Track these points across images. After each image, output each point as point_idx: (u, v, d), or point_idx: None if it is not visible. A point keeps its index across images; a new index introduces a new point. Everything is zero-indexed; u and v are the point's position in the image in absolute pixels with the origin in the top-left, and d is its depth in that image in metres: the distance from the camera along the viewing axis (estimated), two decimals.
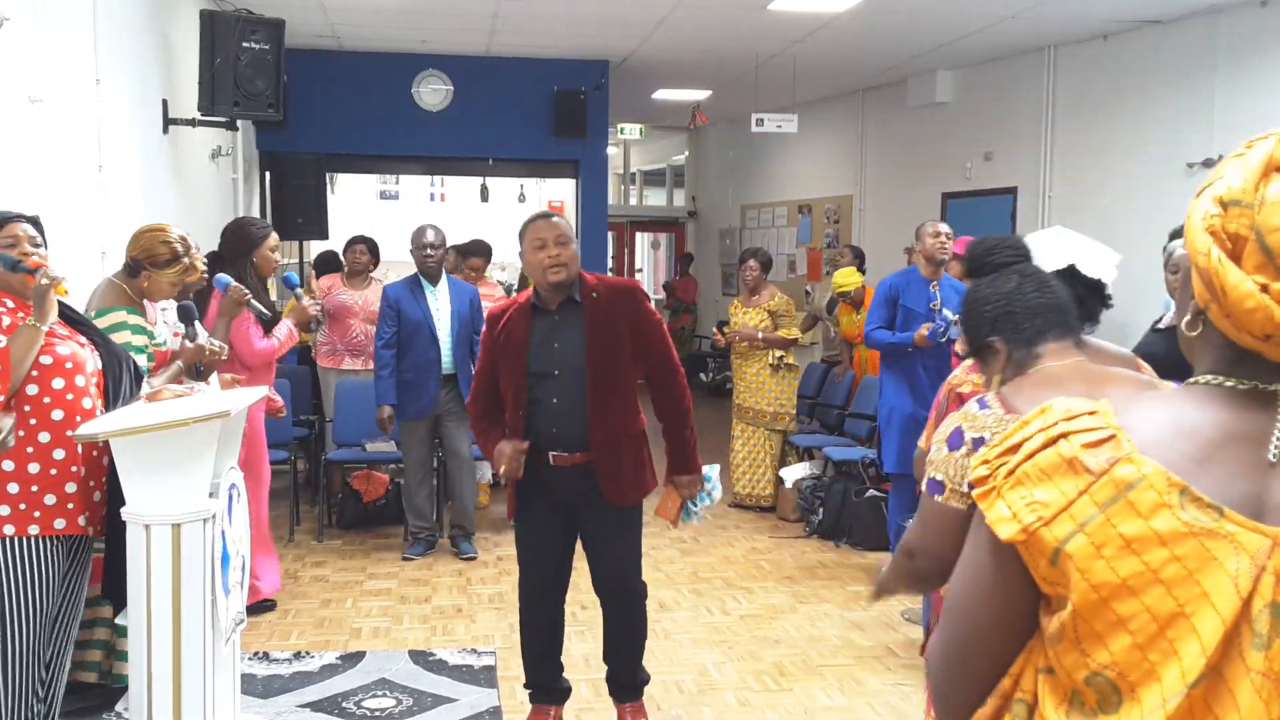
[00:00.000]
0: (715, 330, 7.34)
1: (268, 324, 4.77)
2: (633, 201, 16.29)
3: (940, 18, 7.63)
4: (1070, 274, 2.48)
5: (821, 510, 6.41)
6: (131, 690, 3.14)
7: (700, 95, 11.04)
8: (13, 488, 2.97)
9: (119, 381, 3.25)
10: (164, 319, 3.93)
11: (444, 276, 5.92)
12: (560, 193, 12.75)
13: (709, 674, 4.31)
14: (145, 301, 3.83)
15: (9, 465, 2.97)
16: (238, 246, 4.85)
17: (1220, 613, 1.00)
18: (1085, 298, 2.43)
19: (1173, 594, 1.01)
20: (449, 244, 6.40)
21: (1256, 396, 1.07)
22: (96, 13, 4.93)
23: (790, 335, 7.00)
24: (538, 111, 9.38)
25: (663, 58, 9.34)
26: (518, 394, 3.47)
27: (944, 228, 5.52)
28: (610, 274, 14.52)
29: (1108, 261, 2.59)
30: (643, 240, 16.22)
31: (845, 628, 4.85)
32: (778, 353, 6.97)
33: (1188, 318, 1.12)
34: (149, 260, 3.75)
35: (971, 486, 1.15)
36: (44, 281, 2.94)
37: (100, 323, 3.54)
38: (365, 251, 6.73)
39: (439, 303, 5.79)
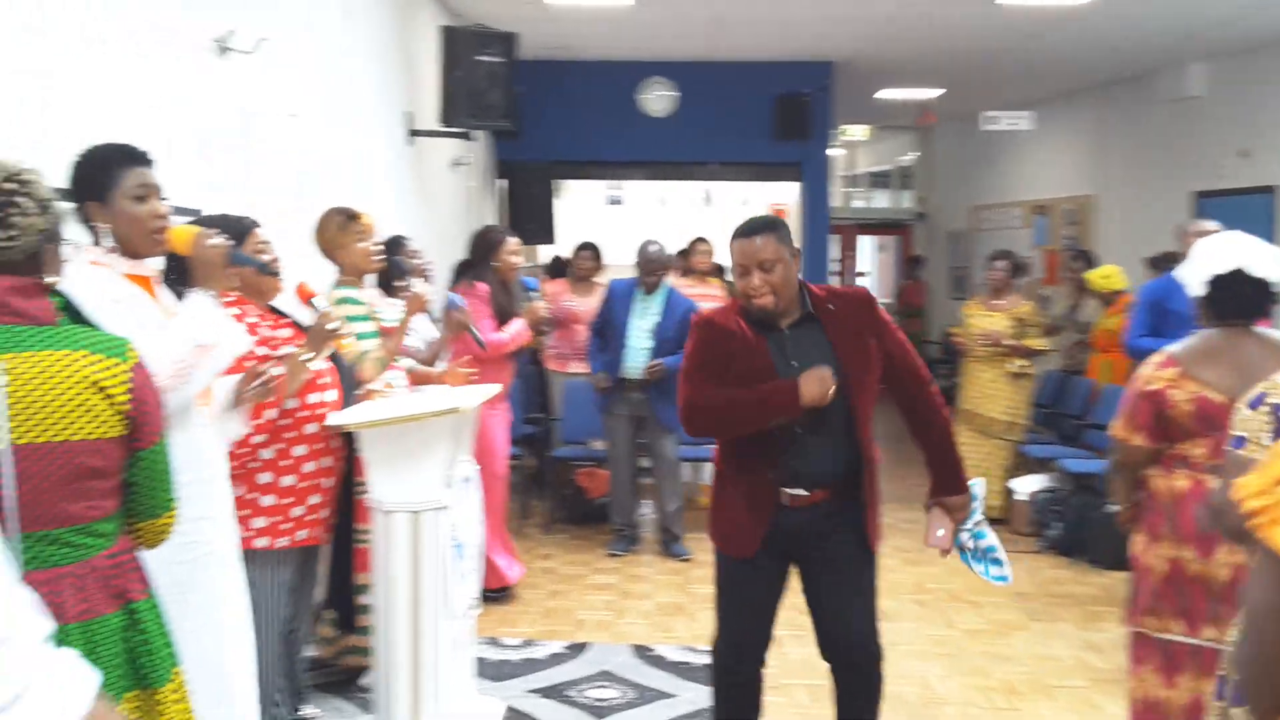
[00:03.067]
0: (954, 332, 7.07)
1: (503, 321, 5.01)
2: (858, 204, 16.04)
3: (1191, 6, 7.14)
4: (1238, 274, 2.82)
5: (1058, 525, 6.13)
6: (375, 666, 3.34)
7: (928, 94, 10.75)
8: (267, 500, 3.13)
9: (348, 390, 3.47)
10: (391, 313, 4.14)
11: (664, 288, 6.00)
12: (783, 196, 12.69)
13: (932, 687, 4.19)
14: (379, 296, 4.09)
15: (265, 478, 3.12)
16: (481, 251, 5.14)
17: None
18: (1252, 295, 2.80)
19: None
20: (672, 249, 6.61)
21: None
22: (349, 32, 5.28)
23: (1038, 345, 6.69)
24: (760, 115, 9.37)
25: (888, 57, 9.15)
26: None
27: (1211, 227, 5.14)
28: (833, 279, 14.35)
29: (1275, 262, 2.87)
30: (867, 244, 15.92)
31: (1081, 648, 4.61)
32: (1019, 361, 6.68)
33: None
34: (323, 239, 3.94)
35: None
36: (328, 326, 3.13)
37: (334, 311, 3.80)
38: (591, 258, 6.90)
39: (647, 310, 5.91)
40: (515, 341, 5.09)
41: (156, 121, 3.41)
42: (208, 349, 2.45)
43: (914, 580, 5.55)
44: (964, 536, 3.19)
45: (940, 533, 3.16)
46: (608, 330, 5.94)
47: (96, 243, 2.47)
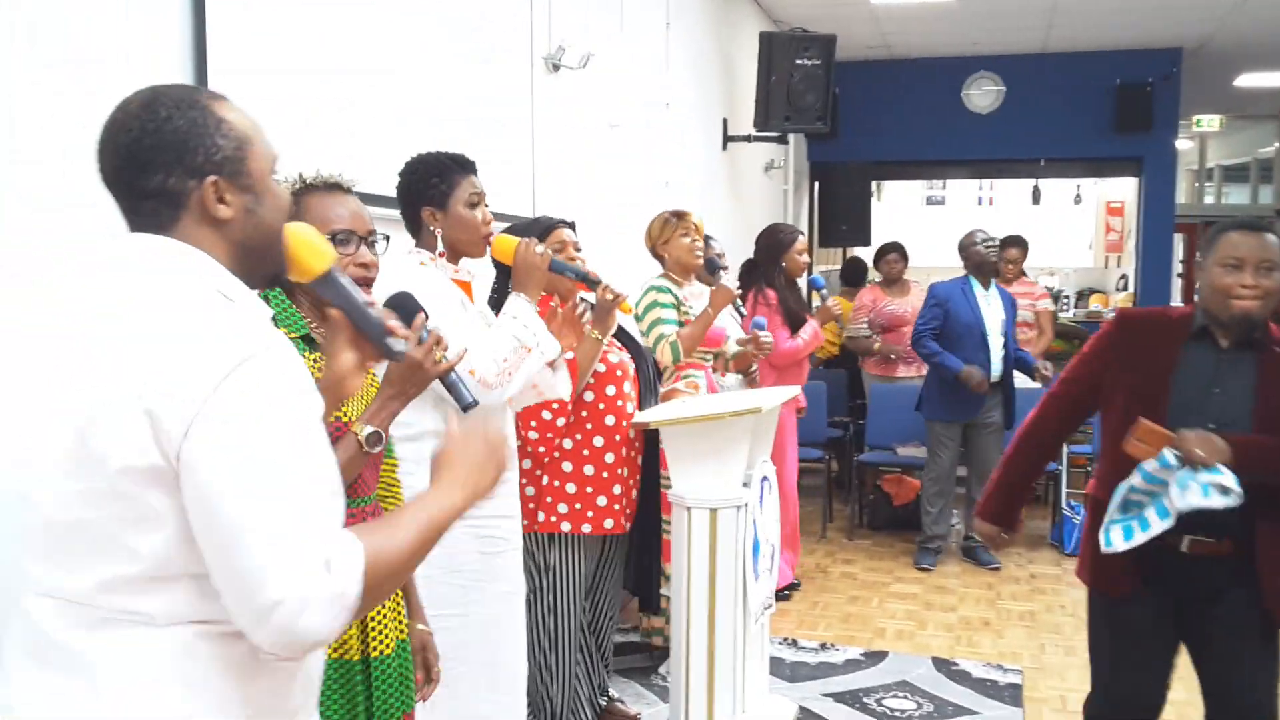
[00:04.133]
0: None
1: (794, 325, 5.01)
2: (1209, 200, 14.74)
3: None
4: None
5: None
6: (672, 658, 3.46)
7: None
8: (570, 488, 3.30)
9: (649, 381, 3.59)
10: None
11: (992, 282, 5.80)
12: (1120, 193, 11.89)
13: None
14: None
15: (568, 467, 3.29)
16: (769, 251, 5.18)
17: None
18: None
19: None
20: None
21: None
22: (669, 44, 5.47)
23: None
24: (1096, 107, 8.84)
25: (1247, 39, 8.39)
26: None
27: None
28: (1177, 281, 13.26)
29: None
30: None
31: None
32: None
33: None
34: (650, 237, 4.16)
35: None
36: (609, 297, 3.13)
37: (642, 300, 3.99)
38: (899, 259, 6.78)
39: (991, 306, 5.67)
40: (808, 347, 5.09)
41: (494, 134, 3.70)
42: (528, 351, 2.57)
43: None
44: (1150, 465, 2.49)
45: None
46: (953, 334, 5.58)
47: (419, 245, 2.64)
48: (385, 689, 1.99)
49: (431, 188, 2.60)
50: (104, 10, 2.23)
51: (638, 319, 4.11)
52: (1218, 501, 2.40)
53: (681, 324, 4.11)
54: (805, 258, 5.23)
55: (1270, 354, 2.61)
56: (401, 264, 2.51)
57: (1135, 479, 2.53)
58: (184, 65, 2.45)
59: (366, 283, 2.02)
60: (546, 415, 3.22)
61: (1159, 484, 2.49)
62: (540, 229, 3.13)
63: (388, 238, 2.10)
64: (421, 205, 2.61)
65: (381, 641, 1.99)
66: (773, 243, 5.21)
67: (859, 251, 9.09)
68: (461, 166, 2.63)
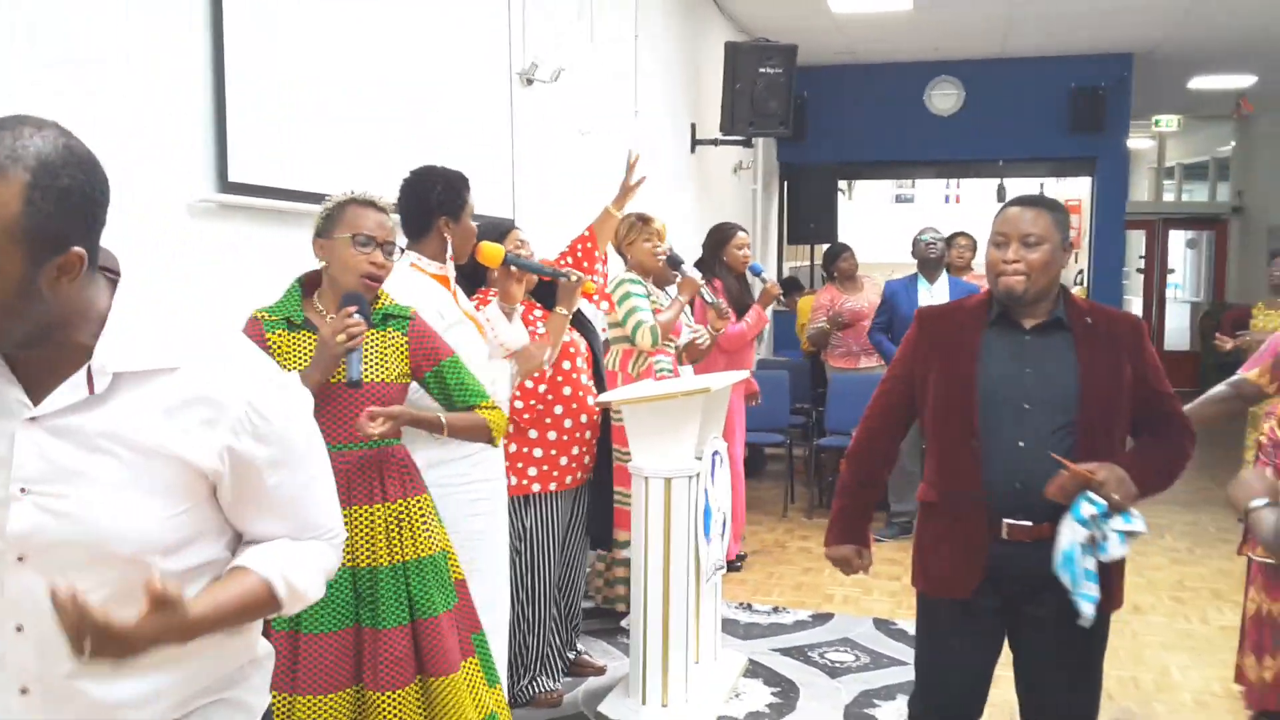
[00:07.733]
0: (1218, 335, 6.48)
1: (740, 311, 5.44)
2: (1169, 198, 15.22)
3: None
4: None
5: None
6: (632, 613, 3.87)
7: (1245, 81, 10.20)
8: (538, 453, 3.75)
9: (599, 358, 4.03)
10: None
11: (944, 275, 6.22)
12: (1077, 191, 12.35)
13: (1171, 675, 4.25)
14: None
15: (533, 434, 3.74)
16: (712, 247, 5.62)
17: None
18: None
19: None
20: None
21: None
22: (638, 56, 5.88)
23: None
24: (1052, 110, 9.30)
25: (1198, 44, 8.85)
26: (964, 422, 2.49)
27: None
28: (1138, 276, 13.70)
29: None
30: (1179, 240, 15.05)
31: None
32: None
33: None
34: (616, 238, 4.51)
35: None
36: (573, 279, 3.51)
37: (616, 292, 4.40)
38: (851, 256, 7.05)
39: (932, 298, 6.06)
40: (753, 330, 5.50)
41: (476, 144, 4.10)
42: (510, 351, 3.11)
43: (1175, 578, 5.51)
44: (1077, 537, 2.38)
45: (1064, 478, 2.37)
46: (899, 328, 6.02)
47: (418, 246, 3.04)
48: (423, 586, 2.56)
49: (450, 201, 2.99)
50: (104, 10, 2.31)
51: (614, 307, 4.53)
52: (1123, 551, 2.39)
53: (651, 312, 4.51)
54: (744, 252, 5.60)
55: (1082, 327, 2.53)
56: (402, 269, 2.96)
57: (1078, 534, 2.38)
58: (204, 77, 2.84)
59: (375, 279, 2.53)
60: (529, 384, 3.68)
61: (1088, 527, 2.38)
62: (501, 231, 3.53)
63: (403, 250, 2.54)
64: (439, 215, 3.01)
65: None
66: (715, 239, 5.63)
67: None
68: (468, 184, 3.08)
